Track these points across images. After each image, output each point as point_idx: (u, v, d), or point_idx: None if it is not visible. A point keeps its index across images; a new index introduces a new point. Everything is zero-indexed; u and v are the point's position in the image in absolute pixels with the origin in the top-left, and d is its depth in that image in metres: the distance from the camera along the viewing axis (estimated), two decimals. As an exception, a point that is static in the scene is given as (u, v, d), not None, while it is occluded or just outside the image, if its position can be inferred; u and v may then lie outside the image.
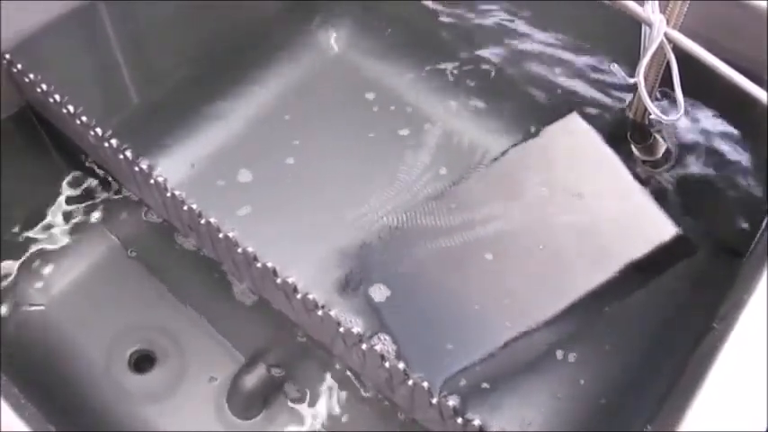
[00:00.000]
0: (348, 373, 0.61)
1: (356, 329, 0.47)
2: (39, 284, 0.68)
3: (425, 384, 0.45)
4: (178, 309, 0.67)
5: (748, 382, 0.41)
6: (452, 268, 0.63)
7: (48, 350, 0.65)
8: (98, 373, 0.64)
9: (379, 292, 0.63)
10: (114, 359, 0.65)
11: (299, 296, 0.49)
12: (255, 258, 0.50)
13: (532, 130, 0.67)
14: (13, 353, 0.63)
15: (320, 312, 0.48)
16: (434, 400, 0.45)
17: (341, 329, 0.47)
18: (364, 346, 0.47)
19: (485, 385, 0.60)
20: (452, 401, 0.44)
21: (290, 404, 0.62)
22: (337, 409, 0.62)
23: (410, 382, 0.46)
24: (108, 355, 0.65)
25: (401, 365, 0.45)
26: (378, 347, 0.47)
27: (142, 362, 0.65)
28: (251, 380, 0.62)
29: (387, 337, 0.60)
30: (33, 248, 0.69)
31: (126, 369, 0.64)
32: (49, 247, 0.70)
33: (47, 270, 0.69)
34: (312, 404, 0.62)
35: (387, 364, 0.46)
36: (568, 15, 0.70)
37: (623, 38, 0.59)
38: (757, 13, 0.57)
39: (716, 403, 0.40)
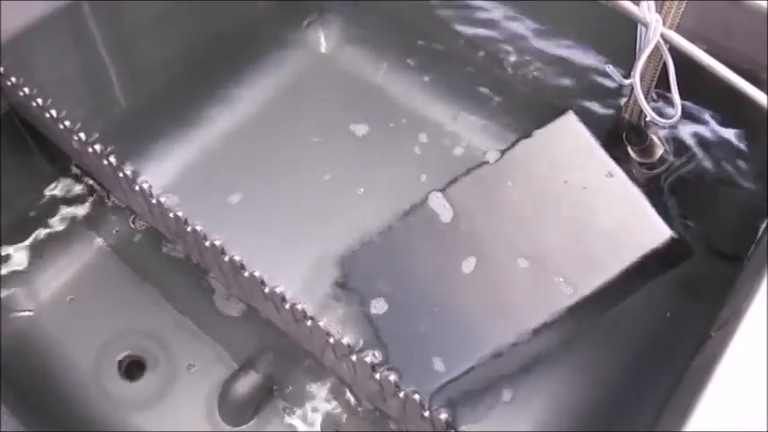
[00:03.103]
0: (339, 383, 0.61)
1: (346, 340, 0.46)
2: (26, 290, 0.68)
3: (417, 397, 0.44)
4: (168, 315, 0.67)
5: (749, 391, 0.40)
6: (444, 274, 0.62)
7: (36, 357, 0.65)
8: (88, 380, 0.64)
9: (368, 301, 0.62)
10: (104, 366, 0.64)
11: (287, 306, 0.48)
12: (243, 267, 0.49)
13: (527, 130, 0.66)
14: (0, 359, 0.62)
15: (309, 323, 0.47)
16: (426, 413, 0.44)
17: (330, 340, 0.46)
18: (354, 358, 0.46)
19: (478, 394, 0.60)
20: (445, 414, 0.43)
21: (282, 411, 0.62)
22: (329, 417, 0.61)
23: (401, 394, 0.45)
24: (98, 361, 0.64)
25: (392, 377, 0.45)
26: (368, 359, 0.46)
27: (132, 368, 0.65)
28: (242, 386, 0.61)
29: (377, 351, 0.59)
30: (21, 253, 0.69)
31: (116, 375, 0.64)
32: (37, 252, 0.69)
33: (33, 276, 0.68)
34: (303, 411, 0.62)
35: (377, 376, 0.45)
36: (565, 15, 0.70)
37: (619, 38, 0.59)
38: (755, 12, 0.56)
39: (717, 412, 0.39)
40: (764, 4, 0.55)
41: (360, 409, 0.61)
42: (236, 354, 0.64)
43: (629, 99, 0.64)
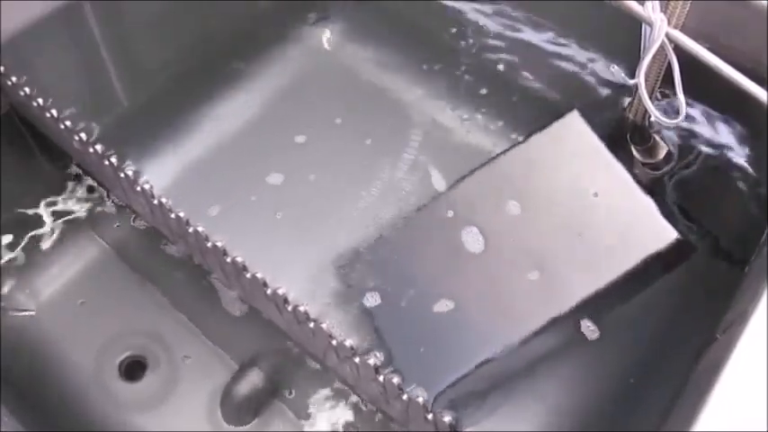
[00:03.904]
0: (342, 384, 0.61)
1: (349, 342, 0.46)
2: (26, 290, 0.67)
3: (420, 399, 0.44)
4: (170, 315, 0.66)
5: (756, 393, 0.39)
6: (446, 274, 0.62)
7: (36, 357, 0.65)
8: (88, 381, 0.64)
9: (371, 302, 0.62)
10: (105, 366, 0.64)
11: (289, 308, 0.47)
12: (245, 268, 0.49)
13: (531, 130, 0.66)
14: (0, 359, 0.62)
15: (312, 325, 0.47)
16: (430, 416, 0.44)
17: (333, 342, 0.46)
18: (358, 360, 0.46)
19: (480, 396, 0.59)
20: (448, 416, 0.43)
21: (283, 411, 0.62)
22: (331, 417, 0.61)
23: (405, 397, 0.45)
24: (98, 361, 0.64)
25: (396, 380, 0.44)
26: (371, 361, 0.45)
27: (133, 369, 0.64)
28: (244, 387, 0.61)
29: (380, 353, 0.59)
30: (21, 253, 0.68)
31: (117, 376, 0.64)
32: (37, 251, 0.69)
33: (34, 275, 0.68)
34: (305, 411, 0.62)
35: (381, 378, 0.45)
36: (569, 15, 0.69)
37: (624, 38, 0.58)
38: (758, 11, 0.55)
39: (723, 415, 0.39)
40: (765, 3, 0.55)
41: (363, 409, 0.61)
42: (238, 354, 0.64)
43: (634, 99, 0.63)
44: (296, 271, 0.66)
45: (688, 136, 0.64)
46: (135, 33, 0.71)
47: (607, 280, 0.58)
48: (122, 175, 0.54)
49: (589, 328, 0.61)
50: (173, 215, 0.52)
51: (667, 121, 0.58)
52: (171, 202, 0.53)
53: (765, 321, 0.42)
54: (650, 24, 0.54)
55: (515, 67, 0.75)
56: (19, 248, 0.68)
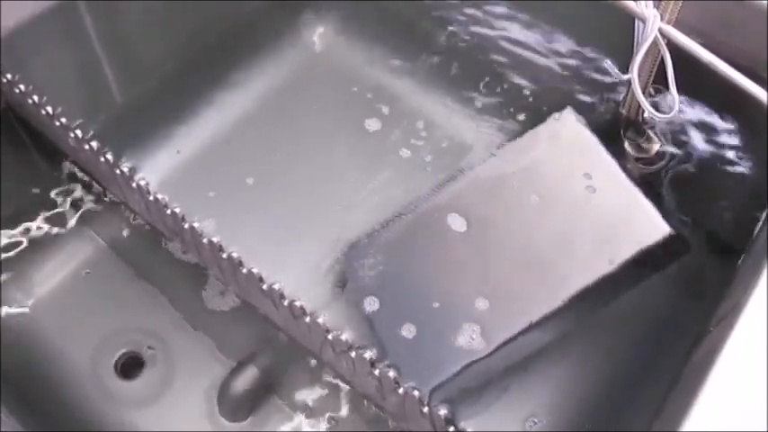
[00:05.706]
0: (337, 380, 0.61)
1: (345, 337, 0.46)
2: (22, 287, 0.67)
3: (416, 393, 0.44)
4: (166, 312, 0.66)
5: (749, 387, 0.40)
6: (441, 271, 0.62)
7: (33, 355, 0.65)
8: (85, 379, 0.63)
9: (368, 299, 0.62)
10: (101, 363, 0.64)
11: (285, 303, 0.48)
12: (241, 264, 0.49)
13: (525, 126, 0.66)
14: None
15: (308, 320, 0.47)
16: (425, 410, 0.44)
17: (329, 337, 0.46)
18: (353, 354, 0.46)
19: (476, 391, 0.60)
20: (444, 411, 0.43)
21: (279, 407, 0.62)
22: (327, 413, 0.61)
23: (401, 391, 0.45)
24: (95, 359, 0.64)
25: (391, 373, 0.44)
26: (367, 355, 0.45)
27: (130, 366, 0.64)
28: (241, 383, 0.61)
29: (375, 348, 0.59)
30: (15, 251, 0.68)
31: (113, 374, 0.64)
32: (32, 249, 0.69)
33: (30, 273, 0.68)
34: (301, 407, 0.62)
35: (376, 372, 0.45)
36: (562, 10, 0.69)
37: (617, 33, 0.58)
38: (755, 8, 0.56)
39: (716, 410, 0.39)
40: (764, 3, 0.55)
41: (359, 404, 0.61)
42: (234, 350, 0.64)
43: (627, 94, 0.64)
44: (290, 267, 0.66)
45: (682, 131, 0.65)
46: (129, 32, 0.71)
47: (600, 274, 0.59)
48: (118, 171, 0.54)
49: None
50: (168, 211, 0.52)
51: (660, 116, 0.58)
52: (167, 198, 0.53)
53: (765, 311, 0.42)
54: (643, 20, 0.55)
55: (510, 64, 0.75)
56: (14, 246, 0.68)
